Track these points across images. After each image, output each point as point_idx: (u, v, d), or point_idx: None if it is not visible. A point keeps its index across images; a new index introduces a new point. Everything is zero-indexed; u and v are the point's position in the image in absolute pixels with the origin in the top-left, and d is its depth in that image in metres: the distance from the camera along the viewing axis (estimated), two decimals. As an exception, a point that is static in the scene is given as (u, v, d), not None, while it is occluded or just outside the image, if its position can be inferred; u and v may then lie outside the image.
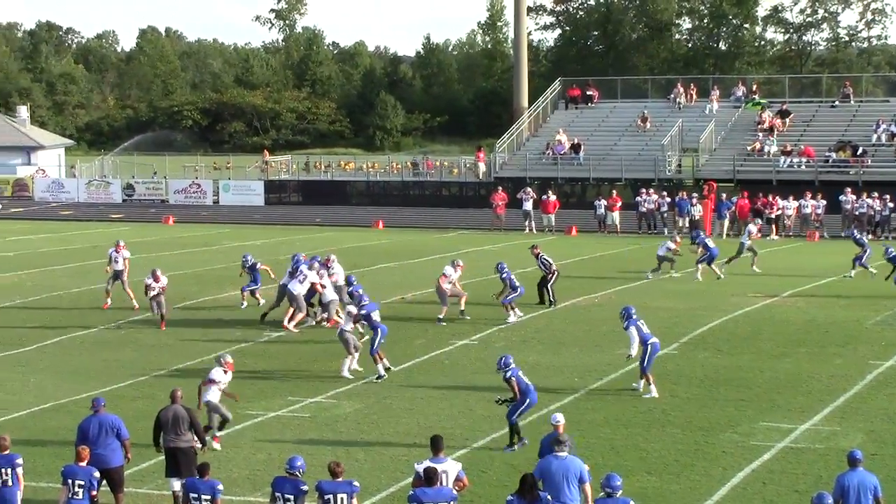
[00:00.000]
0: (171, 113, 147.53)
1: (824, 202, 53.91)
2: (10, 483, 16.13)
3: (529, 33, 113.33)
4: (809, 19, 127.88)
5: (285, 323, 31.16)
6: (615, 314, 33.35)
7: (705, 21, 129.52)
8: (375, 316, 26.37)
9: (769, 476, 19.27)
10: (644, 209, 56.06)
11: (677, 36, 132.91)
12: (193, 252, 49.12)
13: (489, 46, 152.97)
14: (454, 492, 15.15)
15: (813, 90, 79.31)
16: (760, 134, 65.20)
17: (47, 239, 54.73)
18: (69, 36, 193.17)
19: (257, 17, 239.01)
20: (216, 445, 20.45)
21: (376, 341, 25.62)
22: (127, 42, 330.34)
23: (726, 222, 53.42)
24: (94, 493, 15.85)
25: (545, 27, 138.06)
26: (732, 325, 32.08)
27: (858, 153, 60.81)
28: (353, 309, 26.92)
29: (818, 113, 68.10)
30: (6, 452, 16.24)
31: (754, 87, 71.50)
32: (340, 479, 15.00)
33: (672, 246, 39.89)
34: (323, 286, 31.49)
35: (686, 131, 66.96)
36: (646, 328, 24.46)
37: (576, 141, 67.21)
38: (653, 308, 34.10)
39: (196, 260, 46.24)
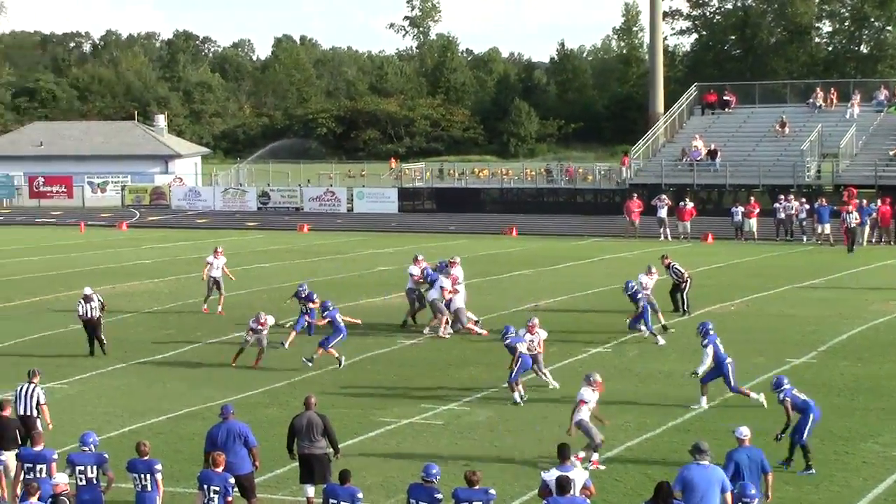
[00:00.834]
0: (305, 121, 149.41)
1: (968, 207, 52.53)
2: (149, 488, 16.33)
3: (665, 38, 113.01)
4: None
5: (440, 332, 31.26)
6: (751, 322, 33.09)
7: (846, 24, 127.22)
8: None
9: (912, 488, 18.77)
10: (782, 216, 55.14)
11: (817, 39, 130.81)
12: (326, 259, 49.50)
13: (624, 52, 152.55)
14: (587, 500, 14.97)
15: (957, 93, 77.39)
16: (903, 139, 63.86)
17: (184, 247, 55.62)
18: (206, 45, 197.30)
19: (391, 25, 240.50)
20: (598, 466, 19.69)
21: (514, 372, 24.47)
22: (262, 50, 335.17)
23: (867, 229, 52.26)
24: (230, 498, 16.00)
25: (681, 32, 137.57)
26: (873, 334, 31.38)
27: None
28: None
29: (963, 116, 66.47)
30: (146, 458, 16.48)
31: (897, 91, 70.12)
32: (476, 488, 14.95)
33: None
34: (454, 291, 31.54)
35: (825, 136, 65.69)
36: (722, 348, 24.01)
37: (712, 147, 66.40)
38: (790, 316, 33.58)
39: (328, 268, 46.54)
